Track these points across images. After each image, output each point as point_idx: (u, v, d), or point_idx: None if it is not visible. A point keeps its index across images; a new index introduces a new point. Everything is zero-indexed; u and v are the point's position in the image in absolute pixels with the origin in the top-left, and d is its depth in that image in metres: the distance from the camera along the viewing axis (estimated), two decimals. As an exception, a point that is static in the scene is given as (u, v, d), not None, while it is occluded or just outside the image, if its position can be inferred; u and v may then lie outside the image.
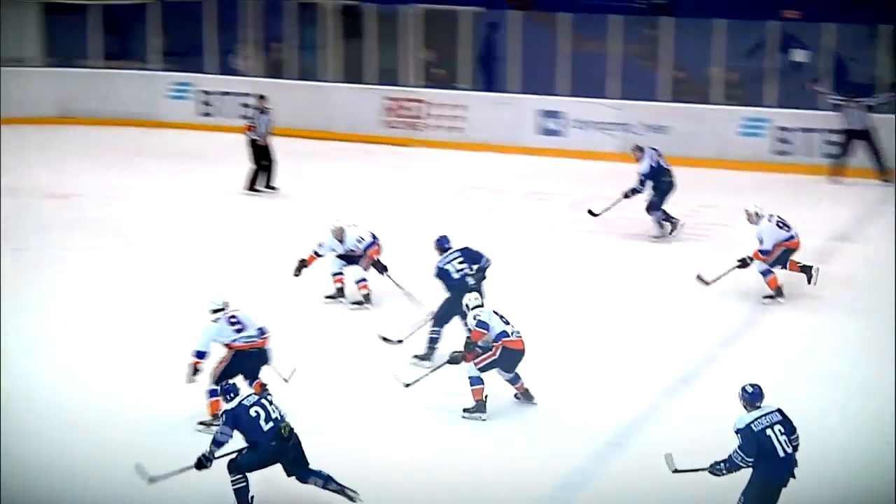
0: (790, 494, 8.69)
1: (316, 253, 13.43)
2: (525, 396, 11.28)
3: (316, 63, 22.90)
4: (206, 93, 22.66)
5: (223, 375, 10.31)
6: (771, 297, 13.68)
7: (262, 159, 18.23)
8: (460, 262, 12.41)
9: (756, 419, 8.60)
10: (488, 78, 22.12)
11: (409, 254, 13.79)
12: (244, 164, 18.58)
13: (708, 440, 9.46)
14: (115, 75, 22.76)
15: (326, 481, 9.20)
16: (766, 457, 8.57)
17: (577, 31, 21.07)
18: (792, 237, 13.62)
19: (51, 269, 14.63)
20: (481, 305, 11.28)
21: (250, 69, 23.15)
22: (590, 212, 16.10)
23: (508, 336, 11.03)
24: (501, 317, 11.16)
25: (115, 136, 21.52)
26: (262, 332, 10.68)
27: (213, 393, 10.38)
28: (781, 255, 13.60)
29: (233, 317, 10.63)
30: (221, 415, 9.23)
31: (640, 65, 21.09)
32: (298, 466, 9.19)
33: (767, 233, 13.58)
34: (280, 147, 18.50)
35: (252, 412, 9.09)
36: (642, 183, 15.79)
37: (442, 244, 12.62)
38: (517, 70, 21.23)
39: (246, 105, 22.28)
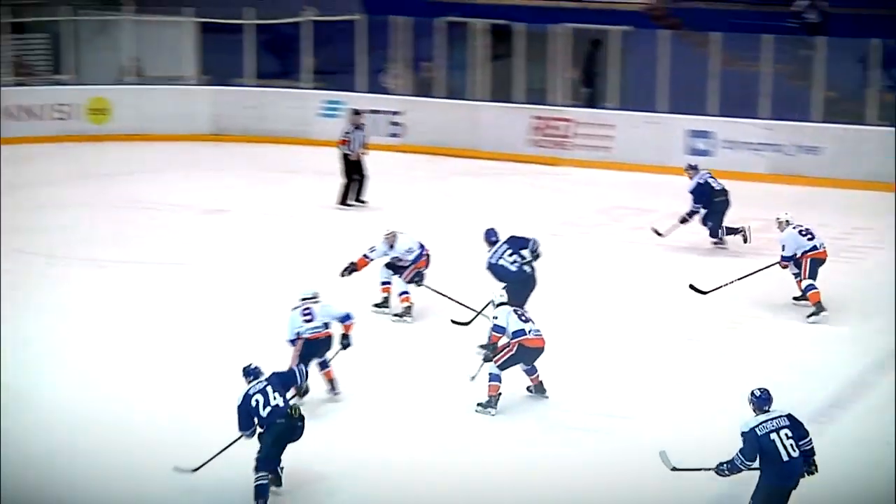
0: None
1: (366, 256, 13.65)
2: (538, 389, 11.71)
3: (464, 82, 23.03)
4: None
5: (300, 361, 11.28)
6: (814, 313, 13.63)
7: (354, 173, 18.43)
8: (510, 254, 12.91)
9: (761, 423, 8.73)
10: (590, 94, 22.10)
11: (553, 273, 13.78)
12: (392, 182, 18.79)
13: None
14: (269, 93, 23.17)
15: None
16: (770, 461, 8.67)
17: (727, 50, 20.84)
18: (815, 247, 13.69)
19: (204, 282, 14.96)
20: (505, 303, 11.68)
21: (399, 88, 23.38)
22: (655, 231, 16.21)
23: (526, 334, 11.43)
24: (521, 315, 11.56)
25: (266, 154, 21.91)
26: (326, 325, 11.57)
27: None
28: (810, 266, 13.65)
29: (307, 308, 11.61)
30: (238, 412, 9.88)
31: (793, 84, 20.78)
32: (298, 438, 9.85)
33: (789, 240, 13.75)
34: (426, 165, 18.68)
35: (253, 401, 9.82)
36: (696, 203, 15.91)
37: (490, 237, 13.06)
38: (665, 89, 21.06)
39: (395, 123, 22.57)
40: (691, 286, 14.12)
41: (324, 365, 11.69)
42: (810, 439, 8.83)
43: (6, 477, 9.90)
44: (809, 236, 13.78)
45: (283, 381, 10.09)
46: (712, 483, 9.18)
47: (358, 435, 10.96)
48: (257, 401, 9.79)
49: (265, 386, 9.88)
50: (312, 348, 11.54)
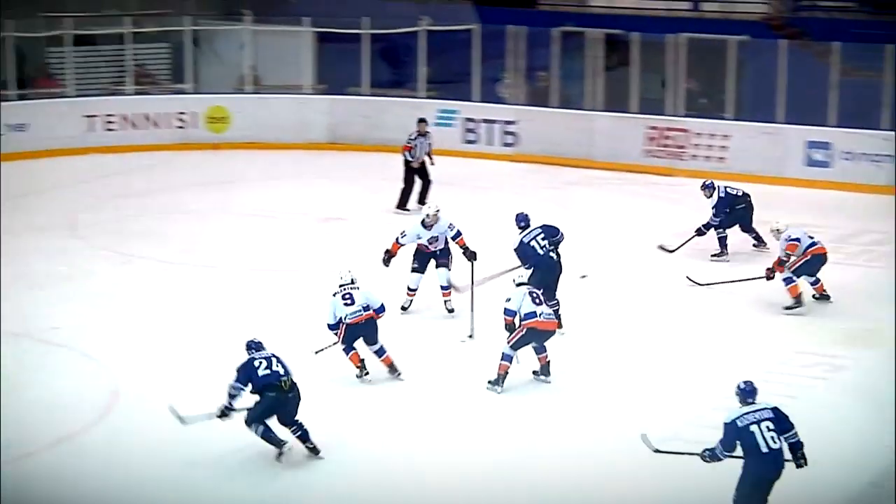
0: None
1: (398, 241, 14.04)
2: (543, 371, 12.33)
3: (579, 91, 22.97)
4: (471, 120, 23.00)
5: (344, 341, 12.26)
6: (790, 307, 14.23)
7: (418, 179, 18.78)
8: (542, 238, 13.48)
9: (742, 415, 9.05)
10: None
11: (665, 284, 13.74)
12: (506, 191, 18.79)
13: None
14: (384, 102, 23.32)
15: (303, 434, 10.67)
16: (750, 452, 8.96)
17: (847, 60, 20.51)
18: (814, 244, 14.29)
19: (320, 289, 15.10)
20: (524, 284, 12.28)
21: (514, 97, 23.40)
22: (661, 247, 16.49)
23: (536, 317, 12.01)
24: (535, 298, 12.12)
25: (381, 162, 22.02)
26: (366, 308, 12.27)
27: (346, 351, 12.30)
28: (806, 263, 14.24)
29: (347, 293, 12.32)
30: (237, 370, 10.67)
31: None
32: (289, 416, 10.65)
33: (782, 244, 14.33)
34: (540, 175, 18.68)
35: (255, 363, 10.64)
36: (716, 216, 16.21)
37: (520, 221, 13.63)
38: (783, 100, 20.79)
39: (509, 133, 22.59)
40: (688, 277, 15.01)
41: (380, 353, 12.39)
42: (795, 432, 9.06)
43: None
44: (797, 239, 14.30)
45: (283, 363, 10.71)
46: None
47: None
48: (259, 363, 10.65)
49: (270, 356, 10.73)
50: (355, 332, 12.28)
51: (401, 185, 18.84)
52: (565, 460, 10.78)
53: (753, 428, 8.95)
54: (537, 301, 12.10)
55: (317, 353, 12.52)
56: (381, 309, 12.39)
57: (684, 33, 21.92)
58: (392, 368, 12.47)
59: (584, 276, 14.99)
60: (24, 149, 21.79)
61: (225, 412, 10.71)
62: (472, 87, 23.07)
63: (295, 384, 10.63)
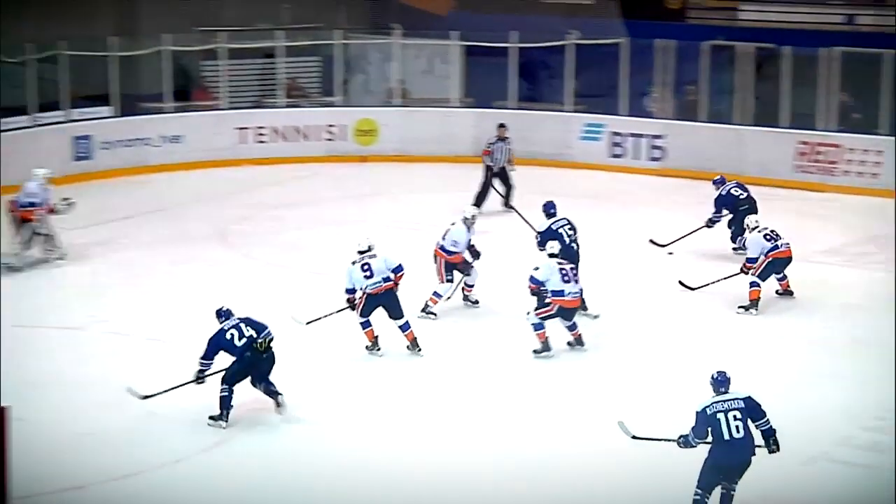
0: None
1: (444, 249, 14.60)
2: (577, 342, 13.30)
3: (728, 106, 22.72)
4: (618, 134, 22.90)
5: (363, 313, 13.07)
6: (745, 307, 14.73)
7: (497, 184, 19.41)
8: (569, 229, 14.45)
9: (712, 403, 9.49)
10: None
11: (812, 302, 13.62)
12: (652, 206, 18.68)
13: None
14: (530, 116, 23.35)
15: (271, 390, 11.53)
16: (715, 439, 9.42)
17: None
18: (777, 247, 14.74)
19: (458, 302, 15.18)
20: (556, 255, 13.23)
21: (661, 111, 23.24)
22: (652, 241, 16.97)
23: (564, 296, 12.97)
24: (565, 275, 12.99)
25: (526, 176, 22.00)
26: (386, 279, 13.05)
27: (363, 325, 13.17)
28: (770, 264, 14.73)
29: (366, 264, 13.08)
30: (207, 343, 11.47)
31: None
32: (262, 376, 11.49)
33: (752, 243, 14.86)
34: (688, 190, 18.53)
35: (227, 336, 11.46)
36: (718, 210, 16.66)
37: (549, 209, 14.69)
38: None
39: (657, 147, 22.44)
40: (680, 282, 15.48)
41: (404, 327, 13.26)
42: (767, 420, 9.47)
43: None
44: (773, 240, 14.80)
45: (255, 323, 11.55)
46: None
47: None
48: (232, 335, 11.47)
49: (238, 323, 11.54)
50: (375, 302, 13.09)
51: (478, 188, 19.42)
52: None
53: (720, 416, 9.41)
54: (566, 279, 13.01)
55: (308, 323, 13.33)
56: (399, 269, 13.22)
57: (838, 47, 21.52)
58: (413, 344, 13.28)
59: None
60: (179, 160, 22.39)
61: (200, 378, 11.61)
62: (620, 100, 22.97)
63: (270, 345, 11.48)
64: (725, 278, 15.25)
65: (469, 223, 14.73)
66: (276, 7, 24.36)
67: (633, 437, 10.12)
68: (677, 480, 9.88)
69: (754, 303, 14.75)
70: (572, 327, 13.23)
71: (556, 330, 13.32)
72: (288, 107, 23.66)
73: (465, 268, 14.72)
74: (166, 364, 13.18)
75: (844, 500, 10.43)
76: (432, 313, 14.61)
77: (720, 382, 9.61)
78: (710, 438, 9.49)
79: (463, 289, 14.90)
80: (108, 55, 21.89)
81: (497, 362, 13.31)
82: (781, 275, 15.04)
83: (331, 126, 23.32)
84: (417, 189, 21.21)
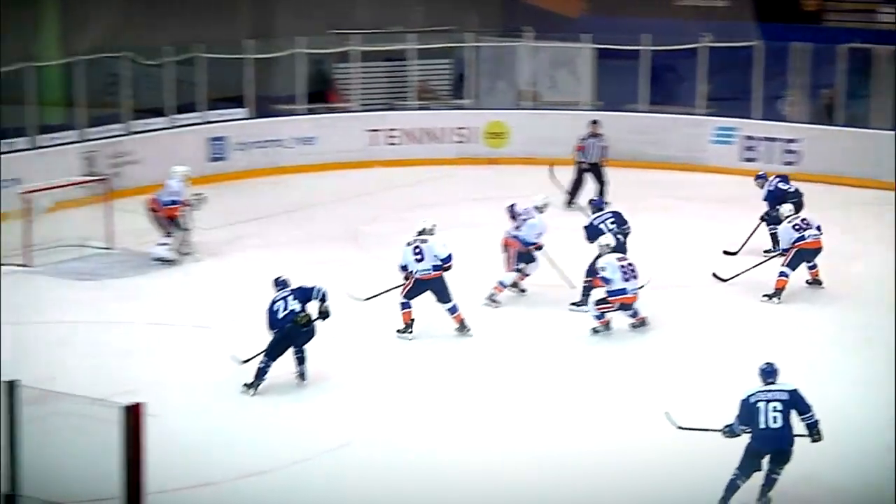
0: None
1: (523, 240, 15.07)
2: (639, 324, 13.88)
3: (865, 110, 22.29)
4: (751, 138, 22.60)
5: (407, 295, 13.60)
6: (769, 296, 15.09)
7: (595, 179, 19.83)
8: (612, 223, 14.86)
9: (755, 392, 9.85)
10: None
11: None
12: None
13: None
14: (662, 119, 23.18)
15: (301, 358, 12.25)
16: (752, 426, 9.77)
17: None
18: (804, 237, 15.07)
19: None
20: (613, 249, 13.84)
21: (796, 115, 22.89)
22: (726, 252, 16.93)
23: (625, 294, 13.61)
24: (625, 272, 13.56)
25: (656, 179, 21.91)
26: (435, 268, 13.46)
27: (403, 306, 13.67)
28: (798, 254, 15.10)
29: (417, 247, 13.58)
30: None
31: None
32: (298, 346, 12.16)
33: (783, 233, 15.38)
34: (822, 195, 18.25)
35: (274, 307, 12.14)
36: (772, 207, 16.62)
37: (596, 205, 15.36)
38: None
39: (791, 151, 22.11)
40: (714, 275, 15.81)
41: (453, 310, 13.65)
42: (812, 414, 9.80)
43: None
44: (802, 229, 15.14)
45: (305, 293, 12.17)
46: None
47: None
48: (278, 307, 12.10)
49: (287, 295, 12.17)
50: (421, 287, 13.52)
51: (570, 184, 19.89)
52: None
53: (760, 405, 9.76)
54: (626, 277, 13.59)
55: (366, 299, 14.10)
56: (448, 259, 13.58)
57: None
58: (462, 326, 13.75)
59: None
60: (311, 162, 22.67)
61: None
62: (753, 104, 22.67)
63: (311, 320, 12.10)
64: (755, 266, 15.69)
65: (541, 209, 15.18)
66: (408, 10, 24.53)
67: (680, 428, 10.42)
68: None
69: (778, 292, 15.08)
70: (634, 314, 13.87)
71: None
72: (419, 109, 23.81)
73: (531, 258, 15.10)
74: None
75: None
76: (496, 301, 14.86)
77: (768, 374, 9.96)
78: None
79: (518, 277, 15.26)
80: (244, 57, 22.28)
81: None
82: (812, 264, 15.39)
83: (461, 128, 23.42)
84: (547, 192, 21.07)
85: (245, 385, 12.25)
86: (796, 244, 15.10)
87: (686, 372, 13.09)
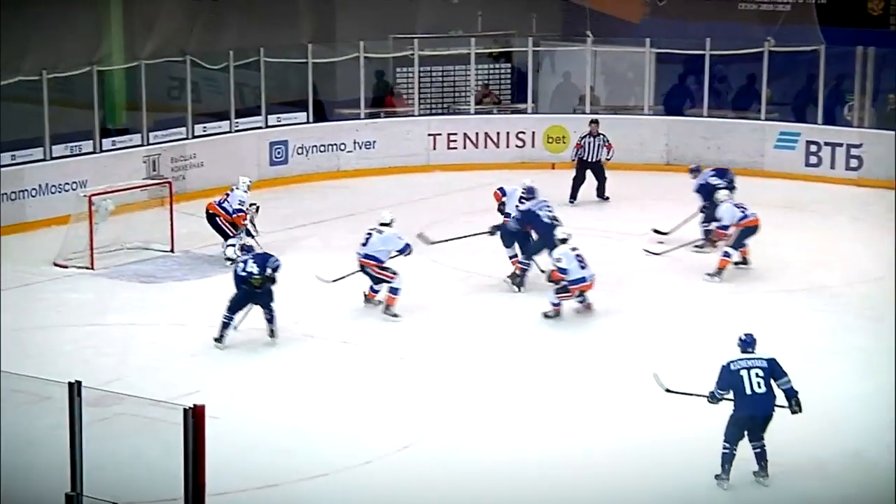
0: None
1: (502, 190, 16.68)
2: (588, 309, 14.77)
3: (930, 115, 22.07)
4: (813, 143, 22.40)
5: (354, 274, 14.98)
6: (711, 275, 16.06)
7: (595, 175, 20.62)
8: (548, 210, 15.80)
9: (737, 360, 10.38)
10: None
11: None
12: (847, 216, 18.31)
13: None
14: (723, 124, 23.03)
15: (270, 318, 14.01)
16: (736, 393, 10.27)
17: None
18: (746, 216, 15.85)
19: (646, 311, 15.08)
20: (565, 240, 14.50)
21: (860, 120, 22.66)
22: (655, 230, 17.92)
23: (585, 282, 14.40)
24: (581, 260, 14.33)
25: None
26: (367, 256, 14.76)
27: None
28: (742, 233, 15.99)
29: (369, 233, 14.85)
30: None
31: None
32: (263, 303, 13.95)
33: (726, 212, 16.13)
34: (885, 201, 18.10)
35: (237, 269, 13.98)
36: (704, 199, 17.43)
37: (530, 193, 16.00)
38: None
39: (854, 157, 21.89)
40: (646, 250, 17.20)
41: (393, 291, 14.76)
42: (788, 380, 10.34)
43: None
44: (743, 208, 16.09)
45: (263, 259, 13.96)
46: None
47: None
48: (240, 268, 13.89)
49: (249, 258, 13.97)
50: (362, 269, 14.81)
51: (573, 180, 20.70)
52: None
53: (743, 373, 10.26)
54: (583, 265, 14.37)
55: (334, 281, 15.26)
56: (405, 249, 14.90)
57: None
58: (386, 308, 14.77)
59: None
60: (372, 166, 22.73)
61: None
62: (816, 109, 22.47)
63: (266, 282, 13.81)
64: (690, 243, 17.19)
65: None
66: (469, 14, 24.53)
67: (667, 391, 11.04)
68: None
69: (721, 271, 16.00)
70: (583, 300, 14.63)
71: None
72: (479, 113, 23.79)
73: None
74: (358, 366, 13.44)
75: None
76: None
77: (747, 343, 10.51)
78: (730, 395, 10.34)
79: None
80: (306, 62, 22.39)
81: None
82: (743, 243, 16.12)
83: (521, 133, 23.37)
84: (610, 197, 21.05)
85: (214, 339, 13.79)
86: (741, 222, 15.72)
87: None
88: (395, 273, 14.84)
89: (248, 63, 22.02)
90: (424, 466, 11.07)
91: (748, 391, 10.22)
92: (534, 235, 15.96)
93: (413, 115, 23.60)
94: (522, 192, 16.33)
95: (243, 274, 13.83)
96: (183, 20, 21.41)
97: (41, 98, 19.41)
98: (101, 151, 20.09)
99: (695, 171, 18.19)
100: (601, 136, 20.77)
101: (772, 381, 10.26)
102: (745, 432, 10.38)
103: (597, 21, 24.02)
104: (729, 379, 10.32)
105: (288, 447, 11.38)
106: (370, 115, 23.31)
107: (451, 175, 22.51)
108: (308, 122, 22.66)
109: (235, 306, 13.88)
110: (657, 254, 17.21)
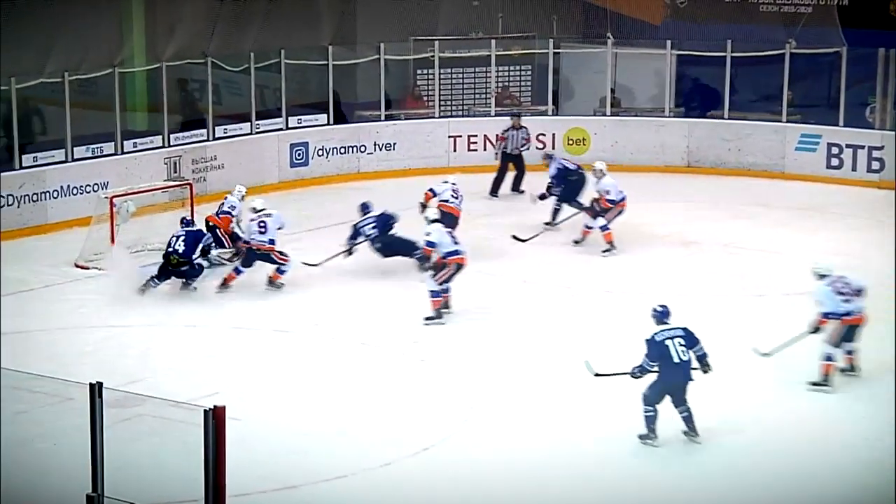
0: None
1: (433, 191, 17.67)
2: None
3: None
4: (835, 145, 22.32)
5: (244, 263, 15.96)
6: (607, 250, 17.46)
7: (511, 168, 21.20)
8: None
9: (660, 332, 11.12)
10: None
11: None
12: (868, 219, 18.31)
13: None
14: (744, 126, 22.95)
15: (187, 285, 15.63)
16: (665, 363, 11.02)
17: None
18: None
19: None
20: (437, 220, 14.99)
21: (882, 122, 22.57)
22: (515, 237, 18.19)
23: (460, 254, 14.67)
24: (453, 237, 14.75)
25: (739, 187, 21.71)
26: (272, 241, 15.72)
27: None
28: (621, 212, 17.67)
29: (262, 222, 15.83)
30: None
31: None
32: (187, 276, 15.62)
33: (611, 185, 17.68)
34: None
35: (170, 241, 15.62)
36: (550, 186, 18.59)
37: (365, 208, 16.87)
38: None
39: (876, 159, 21.81)
40: (513, 236, 18.03)
41: (280, 271, 15.92)
42: (701, 346, 11.16)
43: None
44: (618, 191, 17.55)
45: (196, 237, 15.64)
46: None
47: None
48: (171, 241, 15.51)
49: (181, 235, 15.50)
50: (255, 256, 15.79)
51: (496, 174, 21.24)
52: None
53: (668, 342, 11.04)
54: (456, 241, 14.74)
55: (317, 264, 16.22)
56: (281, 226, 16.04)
57: None
58: (272, 282, 15.90)
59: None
60: (392, 167, 22.76)
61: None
62: (837, 111, 22.39)
63: (184, 262, 15.33)
64: (570, 217, 18.20)
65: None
66: (489, 17, 24.51)
67: (597, 375, 11.58)
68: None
69: (611, 244, 17.43)
70: (445, 290, 14.72)
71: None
72: (499, 115, 23.76)
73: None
74: (377, 368, 13.45)
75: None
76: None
77: (663, 314, 11.29)
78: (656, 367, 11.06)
79: None
80: (326, 64, 22.42)
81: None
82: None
83: (542, 134, 23.33)
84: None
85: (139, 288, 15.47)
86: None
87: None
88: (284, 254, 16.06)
89: (269, 65, 22.07)
90: (444, 469, 11.07)
91: (676, 360, 11.01)
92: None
93: (434, 117, 23.60)
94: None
95: (169, 250, 15.45)
96: (204, 22, 21.45)
97: (63, 100, 19.52)
98: (123, 153, 20.16)
99: (548, 158, 19.12)
100: (524, 129, 21.43)
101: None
102: (669, 397, 11.13)
103: (618, 23, 23.98)
104: (657, 350, 11.03)
105: (307, 449, 11.40)
106: (391, 117, 23.33)
107: (471, 177, 22.40)
108: (328, 124, 22.69)
109: (162, 277, 15.60)
110: (524, 240, 17.98)
